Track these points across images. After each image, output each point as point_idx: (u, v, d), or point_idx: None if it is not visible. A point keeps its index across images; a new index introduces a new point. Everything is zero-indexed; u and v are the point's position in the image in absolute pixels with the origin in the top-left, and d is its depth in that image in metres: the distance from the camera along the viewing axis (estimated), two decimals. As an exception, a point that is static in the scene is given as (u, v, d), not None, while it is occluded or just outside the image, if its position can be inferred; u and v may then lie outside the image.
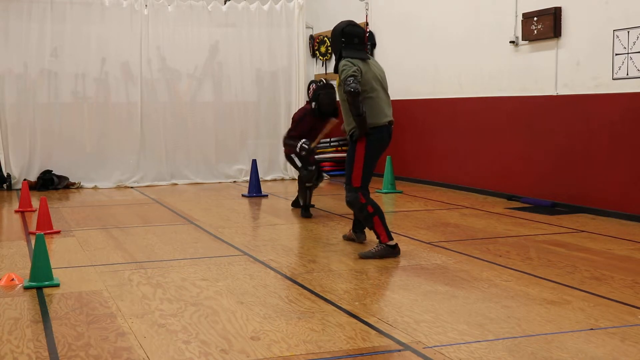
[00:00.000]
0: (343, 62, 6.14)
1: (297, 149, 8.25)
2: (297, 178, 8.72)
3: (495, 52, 9.71)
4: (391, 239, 6.09)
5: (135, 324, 4.33)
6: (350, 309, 4.61)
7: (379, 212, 6.11)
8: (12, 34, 11.29)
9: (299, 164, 8.46)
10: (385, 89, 6.31)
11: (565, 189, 8.66)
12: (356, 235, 6.74)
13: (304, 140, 8.23)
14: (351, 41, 6.26)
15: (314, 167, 8.43)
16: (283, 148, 8.84)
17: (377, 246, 6.09)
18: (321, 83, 8.68)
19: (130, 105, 11.94)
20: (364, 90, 6.02)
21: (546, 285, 5.14)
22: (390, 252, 6.05)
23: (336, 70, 6.27)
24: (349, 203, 6.19)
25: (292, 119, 8.71)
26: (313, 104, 8.36)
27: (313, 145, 8.24)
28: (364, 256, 6.05)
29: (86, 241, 6.97)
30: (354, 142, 6.11)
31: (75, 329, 4.24)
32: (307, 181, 8.41)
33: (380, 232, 6.07)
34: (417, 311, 4.56)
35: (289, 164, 12.55)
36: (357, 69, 6.02)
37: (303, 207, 8.52)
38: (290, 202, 9.28)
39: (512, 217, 8.19)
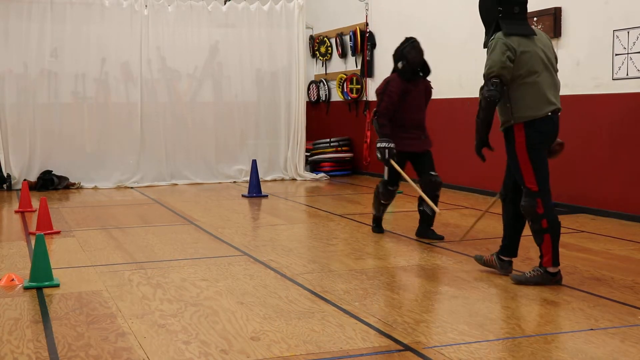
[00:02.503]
0: (496, 42, 5.02)
1: (378, 148, 6.77)
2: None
3: (495, 52, 9.68)
4: (556, 265, 5.13)
5: (135, 324, 4.33)
6: (350, 309, 4.61)
7: (554, 231, 5.13)
8: (12, 34, 11.30)
9: (385, 175, 7.05)
10: (552, 70, 5.25)
11: (565, 189, 8.66)
12: (499, 264, 5.47)
13: (390, 143, 6.75)
14: (511, 10, 5.15)
15: (395, 188, 7.05)
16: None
17: (534, 270, 5.16)
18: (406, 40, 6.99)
19: (130, 106, 11.94)
20: (517, 76, 5.04)
21: (546, 286, 5.14)
22: (549, 279, 5.12)
23: (486, 45, 5.20)
24: (523, 208, 5.20)
25: (376, 92, 7.07)
26: (399, 63, 6.93)
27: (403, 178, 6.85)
28: (518, 280, 5.18)
29: (86, 241, 6.97)
30: (511, 142, 5.22)
31: (75, 329, 4.24)
32: (382, 198, 7.08)
33: (546, 253, 5.12)
34: (417, 311, 4.56)
35: (289, 164, 12.61)
36: (509, 57, 4.99)
37: (374, 220, 7.31)
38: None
39: (512, 217, 8.18)
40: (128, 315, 4.50)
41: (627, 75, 7.85)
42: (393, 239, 7.04)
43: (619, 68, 7.93)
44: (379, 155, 6.77)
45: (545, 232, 5.11)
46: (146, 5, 11.92)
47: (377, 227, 7.29)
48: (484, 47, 5.24)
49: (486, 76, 5.04)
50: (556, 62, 5.35)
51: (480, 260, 5.61)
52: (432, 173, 6.93)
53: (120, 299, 4.88)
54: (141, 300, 4.85)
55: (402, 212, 8.80)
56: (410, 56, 6.86)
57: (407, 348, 3.89)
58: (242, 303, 4.75)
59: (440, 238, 6.88)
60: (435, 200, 6.82)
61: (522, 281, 5.16)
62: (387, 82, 6.95)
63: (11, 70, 11.37)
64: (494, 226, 7.57)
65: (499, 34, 5.07)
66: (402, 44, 6.98)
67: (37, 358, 3.80)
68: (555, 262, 5.12)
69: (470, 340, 4.01)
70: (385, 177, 7.02)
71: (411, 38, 6.99)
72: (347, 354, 3.82)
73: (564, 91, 8.67)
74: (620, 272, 5.54)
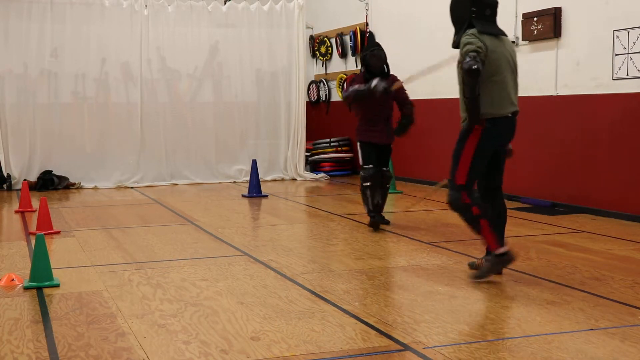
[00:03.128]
0: (467, 34, 5.16)
1: (372, 87, 7.12)
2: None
3: (495, 52, 9.69)
4: (502, 245, 5.15)
5: (135, 324, 4.33)
6: (350, 309, 4.61)
7: (487, 215, 5.19)
8: (12, 34, 11.30)
9: (360, 160, 7.60)
10: (514, 74, 5.35)
11: (565, 189, 8.66)
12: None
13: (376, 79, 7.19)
14: (483, 12, 5.27)
15: (371, 166, 7.45)
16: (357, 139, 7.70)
17: (484, 259, 5.24)
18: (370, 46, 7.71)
19: (130, 106, 11.94)
20: (486, 71, 5.11)
21: (546, 286, 5.14)
22: (503, 261, 5.14)
23: (456, 45, 5.30)
24: (450, 203, 5.28)
25: (345, 83, 7.83)
26: (362, 69, 7.57)
27: (393, 86, 7.23)
28: (476, 276, 5.21)
29: (86, 241, 6.97)
30: (465, 132, 5.20)
31: (75, 329, 4.24)
32: (364, 181, 7.48)
33: (489, 239, 5.16)
34: (417, 311, 4.56)
35: (289, 164, 12.61)
36: (483, 45, 5.09)
37: (370, 214, 7.48)
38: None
39: (512, 217, 8.18)
40: (128, 315, 4.50)
41: (627, 75, 7.85)
42: (393, 239, 7.05)
43: (619, 68, 7.93)
44: (376, 87, 7.14)
45: (479, 217, 5.17)
46: (146, 5, 11.92)
47: (377, 216, 7.46)
48: (453, 47, 5.33)
49: (463, 53, 5.08)
50: (517, 68, 5.45)
51: (472, 266, 5.61)
52: (385, 169, 7.61)
53: (120, 299, 4.88)
54: (141, 300, 4.85)
55: (403, 212, 8.80)
56: (371, 63, 7.48)
57: (407, 348, 3.89)
58: (242, 303, 4.75)
59: (387, 222, 7.67)
60: (385, 191, 7.59)
61: (479, 276, 5.21)
62: (352, 80, 7.60)
63: (11, 70, 11.37)
64: (494, 226, 7.57)
65: (472, 30, 5.19)
66: (364, 51, 7.62)
67: (37, 358, 3.80)
68: (500, 242, 5.16)
69: (470, 340, 4.01)
70: (360, 161, 7.61)
71: (374, 46, 7.64)
72: (347, 354, 3.82)
73: (563, 91, 8.73)
74: (620, 272, 5.54)
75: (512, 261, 5.20)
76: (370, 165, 7.46)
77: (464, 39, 5.14)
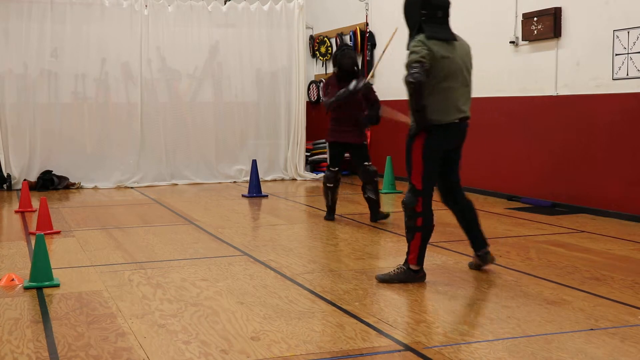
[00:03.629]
0: (414, 41, 5.12)
1: (352, 89, 7.47)
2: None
3: (495, 52, 9.70)
4: (420, 264, 5.25)
5: (135, 324, 4.33)
6: (350, 309, 4.61)
7: (426, 231, 5.25)
8: (12, 34, 11.30)
9: (328, 160, 8.11)
10: (466, 79, 5.29)
11: (565, 189, 8.66)
12: (480, 258, 5.63)
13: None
14: (434, 14, 5.19)
15: (336, 169, 7.96)
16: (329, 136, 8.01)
17: (398, 268, 5.29)
18: (342, 45, 8.22)
19: (130, 106, 11.94)
20: (434, 77, 5.07)
21: (546, 285, 5.14)
22: (412, 277, 5.24)
23: (408, 48, 5.25)
24: (403, 203, 5.32)
25: (320, 89, 8.32)
26: (335, 69, 7.98)
27: (368, 78, 7.71)
28: (382, 279, 5.28)
29: (86, 241, 6.97)
30: (411, 137, 5.22)
31: (75, 329, 4.24)
32: (327, 181, 8.03)
33: (413, 251, 5.24)
34: (417, 311, 4.56)
35: (289, 164, 12.61)
36: (428, 53, 5.02)
37: (328, 209, 8.14)
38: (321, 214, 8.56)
39: (512, 217, 8.19)
40: (128, 315, 4.50)
41: (627, 75, 7.85)
42: (393, 239, 7.05)
43: (619, 68, 7.94)
44: (357, 87, 7.46)
45: (418, 230, 5.23)
46: (146, 5, 11.93)
47: (329, 214, 8.10)
48: (407, 50, 5.26)
49: (407, 64, 5.05)
50: (472, 68, 5.39)
51: (471, 266, 5.73)
52: (367, 164, 7.87)
53: (120, 299, 4.88)
54: (141, 300, 4.85)
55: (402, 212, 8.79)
56: (343, 62, 7.83)
57: (407, 348, 3.89)
58: (242, 303, 4.75)
59: (386, 216, 7.96)
60: (374, 185, 7.83)
61: (387, 279, 5.26)
62: (327, 83, 7.99)
63: (11, 70, 11.37)
64: (494, 227, 7.57)
65: (420, 36, 5.13)
66: (336, 51, 8.04)
67: (37, 358, 3.80)
68: (420, 261, 5.25)
69: (470, 340, 4.01)
70: (328, 161, 8.01)
71: (344, 46, 8.07)
72: (347, 354, 3.82)
73: (563, 91, 8.73)
74: (620, 272, 5.54)
75: (422, 280, 5.28)
76: (336, 168, 7.96)
77: (411, 46, 5.11)
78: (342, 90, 7.58)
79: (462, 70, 5.24)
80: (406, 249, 5.30)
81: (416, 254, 5.23)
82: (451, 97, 5.19)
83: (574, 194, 8.55)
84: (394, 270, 5.29)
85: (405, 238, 5.33)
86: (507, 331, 4.15)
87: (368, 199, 7.93)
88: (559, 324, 4.27)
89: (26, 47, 11.36)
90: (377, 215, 7.92)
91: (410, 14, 5.30)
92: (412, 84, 4.95)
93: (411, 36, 5.26)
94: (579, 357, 3.73)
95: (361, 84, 7.49)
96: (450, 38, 5.21)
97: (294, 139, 12.63)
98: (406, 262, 5.28)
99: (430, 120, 5.11)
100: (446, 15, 5.24)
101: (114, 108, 11.90)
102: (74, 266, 5.93)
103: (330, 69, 14.24)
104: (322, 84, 8.22)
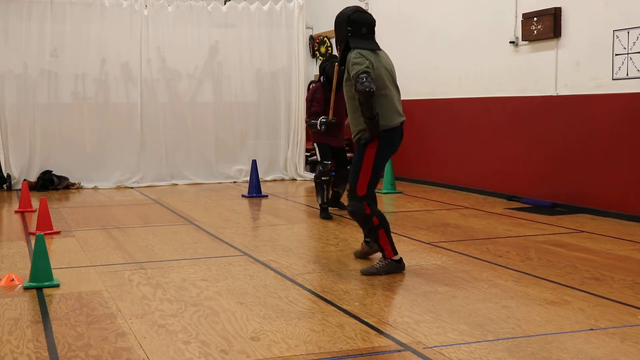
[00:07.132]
0: (353, 53, 5.47)
1: (318, 127, 8.17)
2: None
3: (495, 53, 9.71)
4: (396, 253, 5.58)
5: (135, 324, 4.33)
6: (350, 309, 4.61)
7: (384, 225, 5.55)
8: (12, 34, 11.29)
9: (318, 157, 8.39)
10: (396, 84, 5.70)
11: (565, 189, 8.66)
12: (370, 246, 6.05)
13: (322, 117, 8.19)
14: (359, 30, 5.65)
15: (329, 162, 8.33)
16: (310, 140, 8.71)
17: (380, 261, 5.56)
18: (327, 55, 8.77)
19: (130, 106, 11.93)
20: (376, 87, 5.38)
21: (546, 286, 5.14)
22: (396, 267, 5.53)
23: (342, 62, 5.66)
24: (352, 213, 5.60)
25: (305, 100, 8.75)
26: (322, 78, 8.38)
27: (330, 117, 8.07)
28: (367, 272, 5.50)
29: (86, 241, 6.97)
30: (363, 145, 5.49)
31: (75, 329, 4.24)
32: (322, 175, 8.26)
33: (385, 247, 5.54)
34: (417, 311, 4.56)
35: (289, 164, 12.61)
36: (370, 63, 5.39)
37: (322, 206, 8.29)
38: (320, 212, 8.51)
39: (512, 217, 8.19)
40: (128, 315, 4.50)
41: (627, 75, 7.85)
42: (393, 239, 7.04)
43: (619, 68, 7.94)
44: (323, 128, 8.12)
45: (378, 228, 5.53)
46: (146, 5, 11.92)
47: (324, 212, 8.25)
48: (340, 65, 5.74)
49: (355, 77, 5.33)
50: (396, 78, 5.78)
51: (357, 254, 6.12)
52: (348, 168, 8.20)
53: (120, 299, 4.88)
54: (141, 300, 4.85)
55: (402, 212, 8.81)
56: (329, 73, 8.25)
57: (407, 348, 3.89)
58: (242, 303, 4.75)
59: (343, 208, 8.39)
60: (344, 187, 8.29)
61: (373, 272, 5.49)
62: (314, 91, 8.41)
63: (11, 70, 11.36)
64: (494, 226, 7.58)
65: (356, 50, 5.51)
66: (323, 62, 8.44)
67: (37, 358, 3.80)
68: (395, 250, 5.57)
69: (470, 340, 4.01)
70: (318, 157, 8.39)
71: (332, 56, 8.36)
72: (347, 354, 3.82)
73: (563, 91, 8.72)
74: (620, 272, 5.54)
75: (404, 270, 5.58)
76: (329, 162, 8.34)
77: (352, 59, 5.42)
78: (313, 122, 8.23)
79: (392, 77, 5.66)
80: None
81: (389, 246, 5.56)
82: (392, 103, 5.56)
83: (574, 194, 8.55)
84: (378, 264, 5.55)
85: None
86: (507, 331, 4.15)
87: (335, 193, 8.57)
88: (559, 324, 4.27)
89: (26, 47, 11.36)
90: (337, 204, 8.58)
91: (338, 30, 5.79)
92: (367, 93, 5.23)
93: (342, 50, 5.69)
94: (579, 357, 3.73)
95: (324, 125, 8.07)
96: (376, 48, 5.64)
97: (294, 139, 12.62)
98: (384, 257, 5.56)
99: (381, 127, 5.42)
100: (370, 32, 5.69)
101: (114, 108, 11.89)
102: (74, 266, 5.93)
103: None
104: (308, 91, 8.72)
